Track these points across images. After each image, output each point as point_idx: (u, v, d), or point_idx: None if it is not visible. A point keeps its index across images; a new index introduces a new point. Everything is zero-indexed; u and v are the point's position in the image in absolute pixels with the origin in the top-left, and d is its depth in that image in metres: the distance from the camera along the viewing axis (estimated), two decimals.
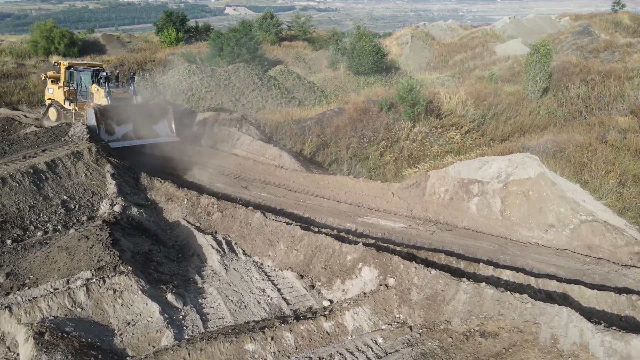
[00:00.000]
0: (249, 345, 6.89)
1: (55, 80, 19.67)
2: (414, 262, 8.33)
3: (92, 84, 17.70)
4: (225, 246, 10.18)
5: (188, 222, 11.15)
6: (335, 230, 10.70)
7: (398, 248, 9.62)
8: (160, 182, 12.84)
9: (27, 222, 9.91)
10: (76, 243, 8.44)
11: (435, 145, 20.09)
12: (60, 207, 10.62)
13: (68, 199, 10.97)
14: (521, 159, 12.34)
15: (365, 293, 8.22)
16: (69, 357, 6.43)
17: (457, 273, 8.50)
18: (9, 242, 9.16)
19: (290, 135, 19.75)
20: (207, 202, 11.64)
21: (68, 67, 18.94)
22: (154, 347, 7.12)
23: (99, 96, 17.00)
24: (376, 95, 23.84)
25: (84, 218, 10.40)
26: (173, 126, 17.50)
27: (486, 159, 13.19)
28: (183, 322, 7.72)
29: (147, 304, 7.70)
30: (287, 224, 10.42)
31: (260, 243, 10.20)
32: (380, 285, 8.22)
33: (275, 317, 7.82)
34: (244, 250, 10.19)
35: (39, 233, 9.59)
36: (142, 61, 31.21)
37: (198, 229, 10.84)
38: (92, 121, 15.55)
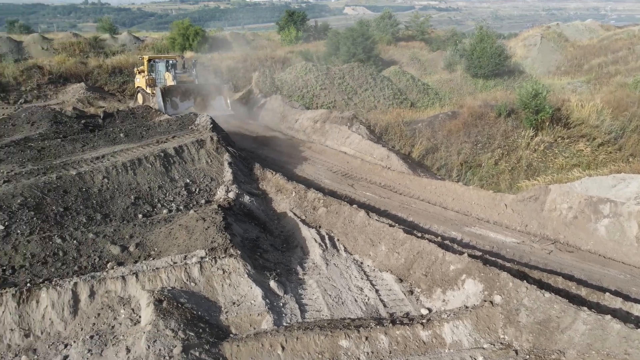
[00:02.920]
0: (343, 342, 6.93)
1: (142, 71, 23.50)
2: (525, 281, 7.68)
3: (166, 72, 21.53)
4: (327, 241, 10.37)
5: (294, 214, 11.56)
6: (439, 238, 10.30)
7: (508, 264, 8.95)
8: (272, 173, 13.49)
9: (156, 200, 11.08)
10: (194, 223, 9.21)
11: (560, 157, 18.32)
12: (183, 189, 11.69)
13: (190, 183, 12.03)
14: None
15: (467, 307, 7.79)
16: (181, 325, 7.04)
17: (576, 300, 7.65)
18: (140, 216, 10.32)
19: (400, 136, 19.44)
20: (313, 197, 11.95)
21: (149, 60, 22.73)
22: (254, 328, 7.51)
23: (169, 80, 20.90)
24: (495, 100, 22.42)
25: (203, 201, 11.33)
26: (228, 102, 21.22)
27: (623, 177, 11.70)
28: (282, 309, 8.02)
29: (251, 288, 8.13)
30: (390, 225, 10.28)
31: (361, 242, 10.21)
32: (485, 301, 7.72)
33: (371, 318, 7.77)
34: (345, 247, 10.28)
35: (165, 211, 10.66)
36: (263, 58, 32.97)
37: (303, 221, 11.19)
38: (160, 98, 19.28)
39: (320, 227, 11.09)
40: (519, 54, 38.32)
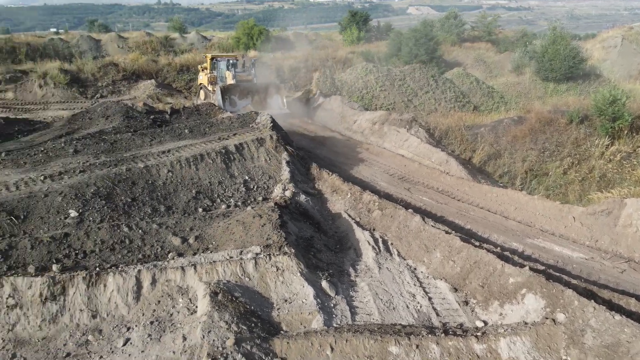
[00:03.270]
0: (393, 348, 6.82)
1: (205, 68, 24.70)
2: (592, 300, 7.19)
3: (226, 70, 22.43)
4: (381, 244, 10.25)
5: (349, 215, 11.54)
6: (498, 248, 9.88)
7: (574, 281, 8.41)
8: (328, 174, 13.55)
9: (215, 195, 11.47)
10: (251, 220, 9.44)
11: (639, 168, 16.99)
12: (242, 185, 12.02)
13: (249, 179, 12.34)
14: None
15: (526, 323, 7.41)
16: (235, 318, 7.23)
17: None
18: (200, 209, 10.73)
19: (460, 141, 18.86)
20: (369, 199, 11.87)
21: (212, 58, 23.97)
22: (304, 327, 7.57)
23: (229, 79, 21.84)
24: (566, 105, 21.18)
25: (260, 198, 11.58)
26: (285, 100, 21.88)
27: None
28: (333, 310, 8.03)
29: (303, 286, 8.21)
30: (447, 232, 10.00)
31: (416, 247, 10.01)
32: (547, 318, 7.31)
33: (422, 326, 7.59)
34: (399, 252, 10.12)
35: (223, 206, 11.01)
36: (325, 58, 33.20)
37: (357, 223, 11.14)
38: (219, 96, 20.20)
39: (374, 229, 11.00)
40: (596, 56, 35.95)
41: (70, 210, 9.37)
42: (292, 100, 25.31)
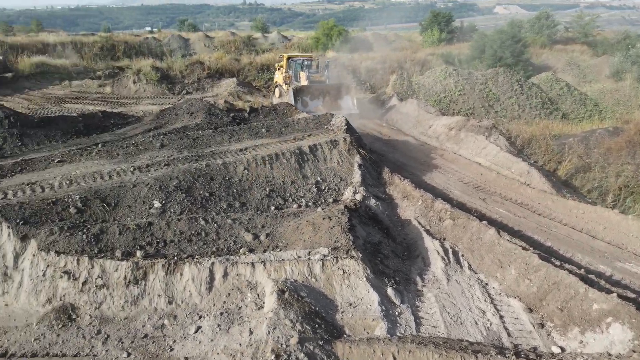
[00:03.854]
0: None
1: (281, 67, 25.60)
2: None
3: (301, 71, 23.06)
4: (451, 255, 9.93)
5: (419, 223, 11.29)
6: (582, 270, 9.16)
7: None
8: (400, 179, 13.34)
9: (288, 194, 11.74)
10: (320, 221, 9.55)
11: None
12: (313, 186, 12.20)
13: (321, 181, 12.49)
14: None
15: (610, 354, 6.81)
16: (299, 318, 7.36)
17: None
18: (272, 208, 11.04)
19: (545, 151, 17.70)
20: (440, 207, 11.54)
21: (288, 58, 24.69)
22: (367, 332, 7.53)
23: (303, 79, 22.46)
24: None
25: (330, 200, 11.68)
26: (355, 102, 22.02)
27: None
28: (397, 318, 7.91)
29: (368, 292, 8.17)
30: (524, 248, 9.45)
31: (488, 261, 9.57)
32: (634, 352, 6.68)
33: (491, 345, 7.24)
34: (469, 265, 9.74)
35: (295, 205, 11.24)
36: (403, 60, 32.75)
37: (427, 232, 10.87)
38: (291, 97, 20.87)
39: (444, 239, 10.67)
40: None
41: (154, 201, 10.07)
42: (366, 101, 25.23)
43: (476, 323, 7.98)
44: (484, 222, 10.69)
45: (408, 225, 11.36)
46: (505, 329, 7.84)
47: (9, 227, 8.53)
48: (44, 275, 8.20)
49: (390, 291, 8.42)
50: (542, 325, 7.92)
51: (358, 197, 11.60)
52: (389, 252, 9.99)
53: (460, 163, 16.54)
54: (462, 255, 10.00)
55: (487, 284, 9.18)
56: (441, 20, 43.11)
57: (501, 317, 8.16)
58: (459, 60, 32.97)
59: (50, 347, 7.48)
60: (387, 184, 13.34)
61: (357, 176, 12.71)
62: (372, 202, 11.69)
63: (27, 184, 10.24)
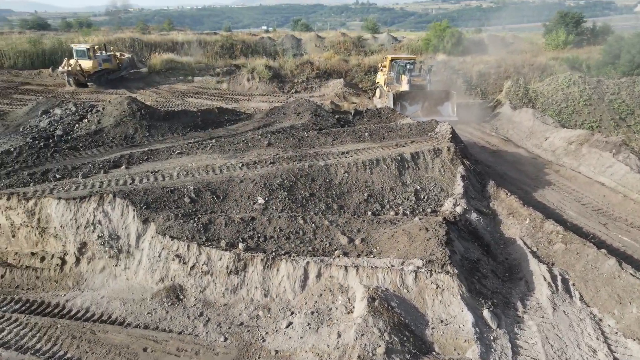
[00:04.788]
0: None
1: (383, 67, 25.83)
2: None
3: (403, 74, 22.86)
4: (560, 283, 9.13)
5: (525, 243, 10.54)
6: None
7: None
8: (506, 194, 12.54)
9: (385, 200, 11.66)
10: (417, 231, 9.35)
11: None
12: (412, 195, 11.96)
13: (420, 189, 12.21)
14: None
15: None
16: (388, 328, 7.31)
17: None
18: (369, 213, 11.05)
19: None
20: (551, 229, 10.64)
21: (391, 60, 24.86)
22: (458, 354, 7.24)
23: (403, 82, 22.43)
24: None
25: (429, 210, 11.37)
26: (454, 109, 21.58)
27: None
28: (492, 343, 7.50)
29: (462, 311, 7.84)
30: None
31: (605, 295, 8.62)
32: None
33: None
34: (581, 296, 8.87)
35: (392, 213, 11.14)
36: (520, 64, 30.56)
37: (534, 254, 10.11)
38: (391, 101, 20.93)
39: (553, 264, 9.83)
40: None
41: (258, 197, 10.65)
42: (475, 108, 24.05)
43: None
44: (603, 250, 9.64)
45: (512, 245, 10.66)
46: None
47: (134, 210, 9.62)
48: (159, 256, 9.12)
49: (486, 313, 8.01)
50: None
51: (458, 209, 11.15)
52: (488, 271, 9.48)
53: (578, 181, 15.06)
54: (573, 285, 9.15)
55: (601, 320, 8.31)
56: (569, 21, 39.39)
57: (615, 359, 7.34)
58: (587, 66, 29.92)
59: (159, 322, 8.32)
60: (491, 198, 12.62)
61: (459, 187, 12.20)
62: (474, 216, 11.16)
63: (151, 172, 11.44)
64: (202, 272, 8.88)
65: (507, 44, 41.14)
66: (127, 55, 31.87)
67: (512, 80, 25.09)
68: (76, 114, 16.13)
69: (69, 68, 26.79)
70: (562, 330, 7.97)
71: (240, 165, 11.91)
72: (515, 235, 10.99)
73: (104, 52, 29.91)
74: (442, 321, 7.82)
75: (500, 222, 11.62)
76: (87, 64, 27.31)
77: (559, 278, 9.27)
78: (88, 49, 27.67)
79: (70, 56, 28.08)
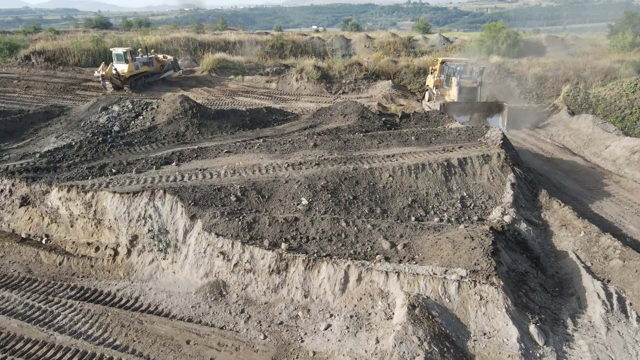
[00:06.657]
0: None
1: (434, 70, 25.01)
2: None
3: (453, 76, 22.33)
4: (615, 301, 8.62)
5: (577, 257, 10.03)
6: None
7: None
8: (559, 204, 11.97)
9: (430, 206, 11.44)
10: (462, 240, 9.12)
11: None
12: (458, 201, 11.66)
13: (466, 196, 11.88)
14: None
15: None
16: (428, 337, 7.19)
17: None
18: (412, 218, 10.88)
19: None
20: (608, 244, 10.06)
21: (442, 62, 24.18)
22: None
23: (453, 85, 21.94)
24: None
25: (475, 218, 11.05)
26: (505, 121, 20.84)
27: None
28: None
29: (507, 325, 7.59)
30: None
31: None
32: None
33: None
34: (638, 317, 8.33)
35: (436, 219, 10.91)
36: (581, 67, 28.98)
37: (587, 269, 9.60)
38: (439, 110, 20.22)
39: (608, 281, 9.30)
40: None
41: (302, 198, 10.75)
42: (529, 113, 23.12)
43: None
44: None
45: (563, 258, 10.17)
46: None
47: (182, 206, 9.97)
48: (204, 252, 9.41)
49: (532, 329, 7.71)
50: None
51: (507, 218, 10.76)
52: (537, 284, 9.10)
53: None
54: (630, 304, 8.61)
55: None
56: (637, 21, 36.97)
57: None
58: None
59: (202, 316, 8.58)
60: (542, 208, 12.09)
61: (508, 196, 11.77)
62: (523, 226, 10.74)
63: (200, 170, 11.82)
64: (244, 269, 9.08)
65: (567, 46, 39.21)
66: (169, 57, 32.19)
67: (571, 84, 23.91)
68: (132, 111, 16.93)
69: (104, 72, 27.12)
70: (615, 352, 7.54)
71: (285, 165, 12.07)
72: (567, 248, 10.48)
73: (145, 55, 30.32)
74: (484, 334, 7.60)
75: (552, 234, 11.10)
76: (123, 68, 27.50)
77: (615, 296, 8.75)
78: (125, 52, 27.77)
79: (110, 59, 28.48)
